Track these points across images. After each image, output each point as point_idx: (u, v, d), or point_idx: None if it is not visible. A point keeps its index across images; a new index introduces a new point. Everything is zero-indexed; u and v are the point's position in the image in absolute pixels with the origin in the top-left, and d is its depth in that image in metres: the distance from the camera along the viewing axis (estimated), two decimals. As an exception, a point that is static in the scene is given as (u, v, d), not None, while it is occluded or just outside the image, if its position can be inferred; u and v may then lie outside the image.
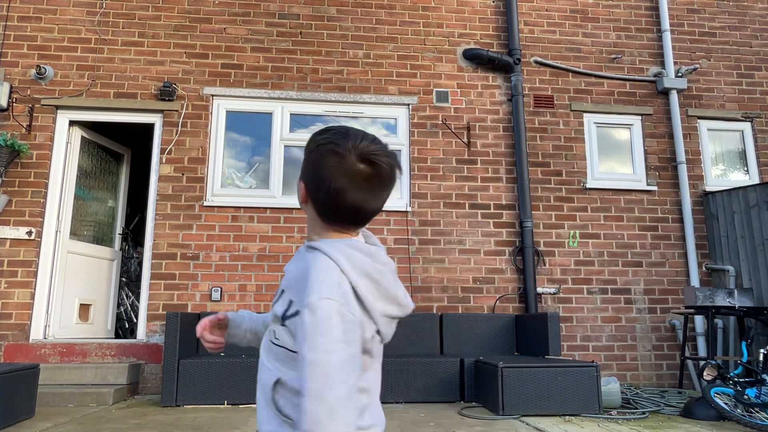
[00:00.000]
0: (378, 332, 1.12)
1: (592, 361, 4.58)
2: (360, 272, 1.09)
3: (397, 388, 5.03)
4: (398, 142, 6.47)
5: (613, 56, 6.93)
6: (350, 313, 1.04)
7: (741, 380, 4.65)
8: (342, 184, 1.10)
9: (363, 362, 1.10)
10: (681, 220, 6.58)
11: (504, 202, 6.41)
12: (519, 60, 6.62)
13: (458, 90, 6.62)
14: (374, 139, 1.14)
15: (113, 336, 6.71)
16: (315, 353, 0.99)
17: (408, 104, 6.54)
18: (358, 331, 1.05)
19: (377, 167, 1.10)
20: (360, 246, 1.13)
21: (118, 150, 6.97)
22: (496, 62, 6.60)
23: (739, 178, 6.88)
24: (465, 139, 6.50)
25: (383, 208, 6.13)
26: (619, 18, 7.07)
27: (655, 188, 6.61)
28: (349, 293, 1.07)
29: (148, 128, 7.43)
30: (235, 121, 6.35)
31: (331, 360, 0.99)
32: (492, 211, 6.37)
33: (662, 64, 6.98)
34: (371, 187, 1.11)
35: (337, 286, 1.05)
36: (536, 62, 6.80)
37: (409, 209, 6.25)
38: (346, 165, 1.09)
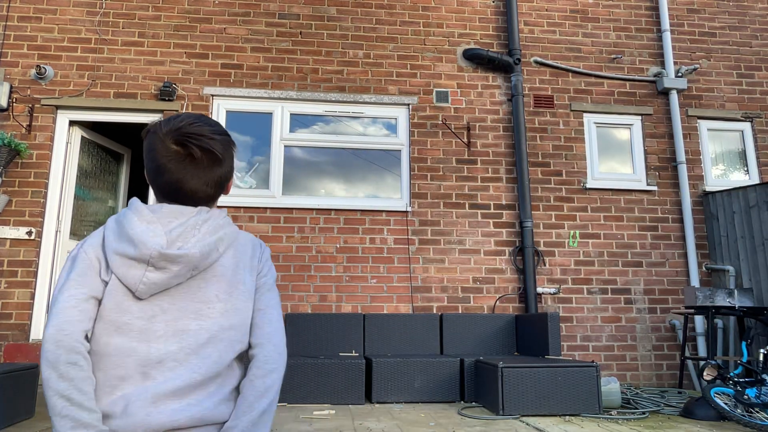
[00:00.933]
0: (109, 270, 1.15)
1: (592, 361, 4.58)
2: (115, 219, 1.21)
3: (396, 388, 5.03)
4: (398, 142, 6.47)
5: (613, 56, 6.93)
6: (84, 252, 1.17)
7: (741, 380, 4.65)
8: (159, 162, 1.20)
9: (98, 312, 1.14)
10: (681, 220, 6.58)
11: (504, 202, 6.41)
12: (519, 60, 6.62)
13: (458, 90, 6.62)
14: (198, 123, 1.22)
15: (113, 336, 6.70)
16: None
17: (408, 104, 6.54)
18: (95, 268, 1.15)
19: (188, 149, 1.19)
20: (131, 201, 1.23)
21: (118, 150, 6.97)
22: (496, 62, 6.60)
23: (739, 178, 6.88)
24: (465, 139, 6.50)
25: (386, 209, 6.14)
26: (619, 18, 7.07)
27: (655, 188, 6.61)
28: (96, 236, 1.20)
29: (148, 128, 7.41)
30: (235, 121, 6.35)
31: (59, 284, 1.15)
32: (492, 211, 6.37)
33: (662, 64, 6.98)
34: (184, 167, 1.20)
35: (91, 237, 1.20)
36: (536, 62, 6.80)
37: (409, 209, 6.25)
38: (162, 146, 1.20)
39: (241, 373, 1.23)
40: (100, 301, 1.14)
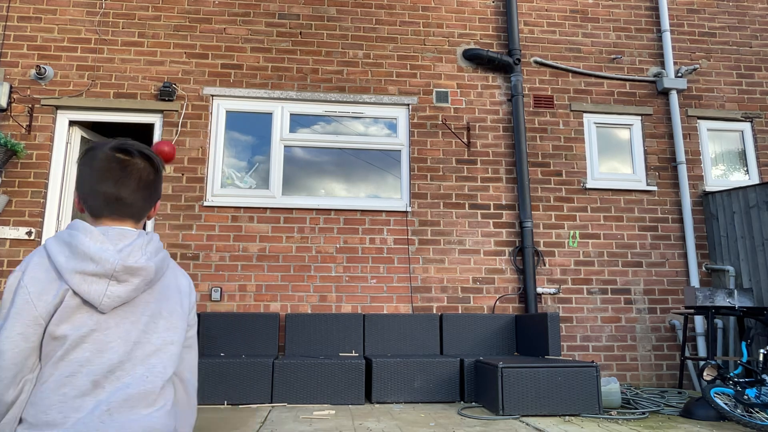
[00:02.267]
0: (73, 293, 1.16)
1: (592, 362, 4.58)
2: (58, 241, 1.22)
3: (396, 388, 5.03)
4: (398, 142, 6.47)
5: (612, 56, 6.93)
6: (24, 286, 1.16)
7: (741, 380, 4.65)
8: (101, 171, 1.28)
9: (49, 345, 1.15)
10: (681, 221, 6.58)
11: (504, 203, 6.41)
12: (519, 60, 6.62)
13: (458, 90, 6.62)
14: (135, 142, 1.34)
15: (113, 336, 6.70)
16: None
17: (408, 104, 6.54)
18: (40, 298, 1.15)
19: (131, 154, 1.31)
20: (71, 222, 1.26)
21: (118, 150, 6.96)
22: (496, 62, 6.60)
23: (739, 179, 6.88)
24: (465, 140, 6.50)
25: (386, 209, 6.13)
26: (619, 18, 7.07)
27: (654, 188, 6.61)
28: (37, 261, 1.19)
29: (148, 128, 7.43)
30: (235, 121, 6.35)
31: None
32: (492, 211, 6.37)
33: (662, 64, 6.98)
34: (127, 174, 1.29)
35: (28, 259, 1.20)
36: (536, 62, 6.80)
37: (408, 209, 6.25)
38: (105, 156, 1.29)
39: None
40: (46, 325, 1.17)
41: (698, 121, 6.91)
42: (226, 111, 6.34)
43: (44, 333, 1.15)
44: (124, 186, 1.27)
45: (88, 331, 1.16)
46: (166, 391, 1.24)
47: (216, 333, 5.60)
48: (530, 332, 5.56)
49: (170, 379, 1.27)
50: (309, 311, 5.93)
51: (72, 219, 6.16)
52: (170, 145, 4.60)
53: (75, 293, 1.16)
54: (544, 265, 6.30)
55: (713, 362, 5.06)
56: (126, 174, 1.28)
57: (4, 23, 6.17)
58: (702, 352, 6.20)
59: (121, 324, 1.20)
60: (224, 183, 6.20)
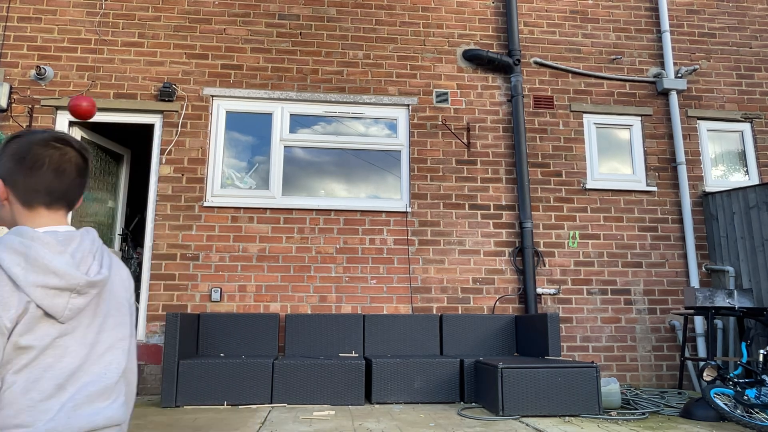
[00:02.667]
0: (36, 305, 1.15)
1: (592, 362, 4.58)
2: (8, 249, 1.17)
3: (396, 388, 5.02)
4: (398, 142, 6.47)
5: (612, 57, 6.93)
6: None
7: (741, 381, 4.65)
8: (56, 165, 1.29)
9: (12, 354, 1.13)
10: (681, 221, 6.58)
11: (504, 203, 6.41)
12: (519, 61, 6.62)
13: (458, 91, 6.62)
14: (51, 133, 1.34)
15: (113, 336, 6.70)
16: None
17: (408, 105, 6.54)
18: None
19: (79, 153, 1.33)
20: (17, 229, 1.22)
21: (118, 150, 6.97)
22: (496, 63, 6.60)
23: (738, 179, 6.88)
24: (465, 140, 6.51)
25: (385, 209, 6.14)
26: (619, 19, 7.07)
27: (654, 189, 6.61)
28: None
29: (148, 129, 7.43)
30: (235, 121, 6.35)
31: None
32: (492, 211, 6.37)
33: (662, 64, 6.99)
34: (77, 172, 1.32)
35: None
36: (536, 63, 6.80)
37: (408, 210, 6.25)
38: (58, 151, 1.29)
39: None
40: (9, 335, 1.16)
41: (698, 121, 6.92)
42: (226, 111, 6.34)
43: (7, 342, 1.15)
44: (65, 175, 1.29)
45: (51, 340, 1.19)
46: (120, 384, 1.30)
47: (216, 333, 5.60)
48: (530, 333, 5.56)
49: (124, 373, 1.32)
50: (309, 312, 5.93)
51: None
52: (89, 99, 4.56)
53: (38, 305, 1.17)
54: (544, 266, 6.30)
55: (713, 363, 5.06)
56: (65, 163, 1.29)
57: (4, 24, 6.17)
58: (702, 352, 6.20)
59: (78, 329, 1.23)
60: (224, 183, 6.20)
